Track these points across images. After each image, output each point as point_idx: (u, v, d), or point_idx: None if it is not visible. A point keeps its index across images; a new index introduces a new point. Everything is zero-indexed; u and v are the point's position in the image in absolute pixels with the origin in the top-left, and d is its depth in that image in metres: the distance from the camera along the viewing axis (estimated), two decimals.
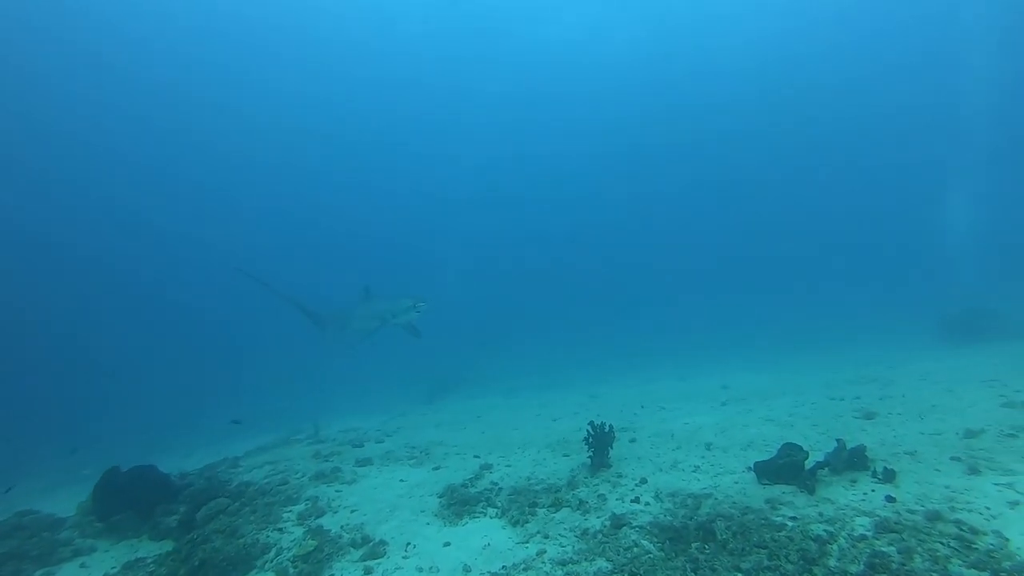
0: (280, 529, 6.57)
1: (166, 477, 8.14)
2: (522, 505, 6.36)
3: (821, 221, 56.74)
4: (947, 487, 5.48)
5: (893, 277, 40.24)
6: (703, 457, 7.34)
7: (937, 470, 5.95)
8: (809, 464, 5.95)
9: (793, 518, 5.15)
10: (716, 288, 45.88)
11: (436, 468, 8.38)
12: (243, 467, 9.59)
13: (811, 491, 5.63)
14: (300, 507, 7.20)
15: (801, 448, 6.09)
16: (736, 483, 6.22)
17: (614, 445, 7.54)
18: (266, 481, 8.39)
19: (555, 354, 26.67)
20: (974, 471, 5.78)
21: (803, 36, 40.36)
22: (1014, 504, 5.03)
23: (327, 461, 9.35)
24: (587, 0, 37.30)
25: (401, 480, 8.01)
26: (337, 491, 7.77)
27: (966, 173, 37.30)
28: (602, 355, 24.56)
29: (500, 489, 7.02)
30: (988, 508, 4.99)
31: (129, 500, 7.50)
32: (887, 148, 50.85)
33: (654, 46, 41.49)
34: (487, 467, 7.97)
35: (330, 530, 6.39)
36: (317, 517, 6.86)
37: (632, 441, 8.51)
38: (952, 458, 6.19)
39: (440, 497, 7.08)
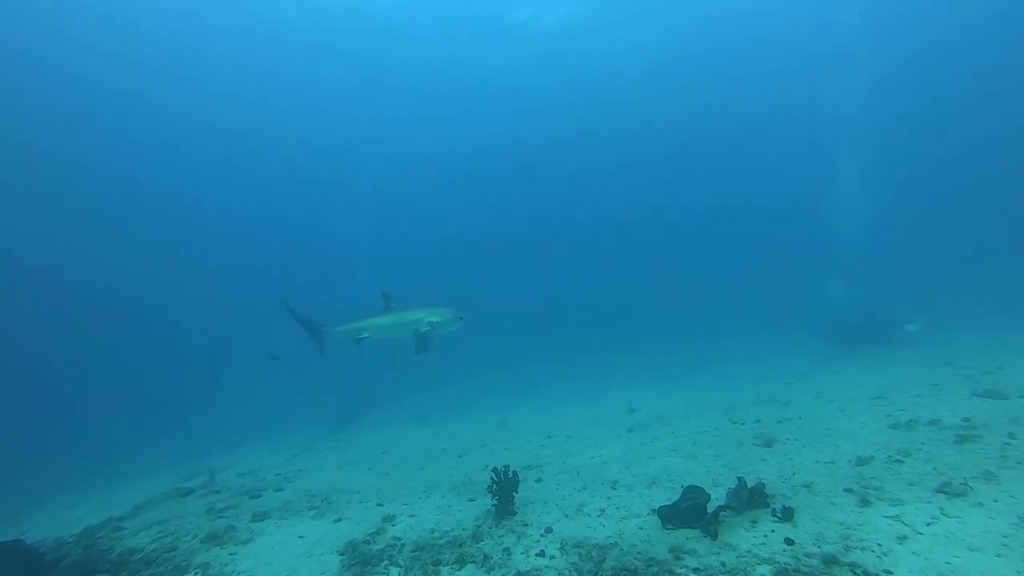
0: None
1: (34, 551, 7.41)
2: (425, 563, 6.08)
3: (719, 226, 59.17)
4: (841, 523, 5.59)
5: (788, 283, 42.18)
6: (608, 498, 7.27)
7: (832, 503, 6.08)
8: (711, 507, 5.96)
9: (697, 569, 5.11)
10: (618, 301, 46.96)
11: (337, 520, 7.99)
12: (127, 529, 8.84)
13: (714, 536, 5.62)
14: None
15: (703, 491, 6.10)
16: (641, 529, 6.16)
17: (519, 488, 7.37)
18: (153, 547, 7.74)
19: (466, 372, 26.53)
20: (866, 503, 5.94)
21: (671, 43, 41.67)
22: (902, 539, 5.17)
23: (221, 517, 8.77)
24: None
25: (300, 536, 7.57)
26: (231, 554, 7.26)
27: (850, 179, 39.20)
28: (511, 372, 24.48)
29: (403, 545, 6.71)
30: (880, 545, 5.11)
31: None
32: (775, 151, 53.33)
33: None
34: (390, 519, 7.63)
35: None
36: None
37: (538, 481, 8.37)
38: (846, 489, 6.35)
39: (341, 555, 6.72)
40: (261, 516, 8.49)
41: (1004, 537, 4.98)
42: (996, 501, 5.62)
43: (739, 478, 6.37)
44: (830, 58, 39.36)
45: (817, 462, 7.38)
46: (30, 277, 47.55)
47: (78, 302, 50.22)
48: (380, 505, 8.36)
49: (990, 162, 48.84)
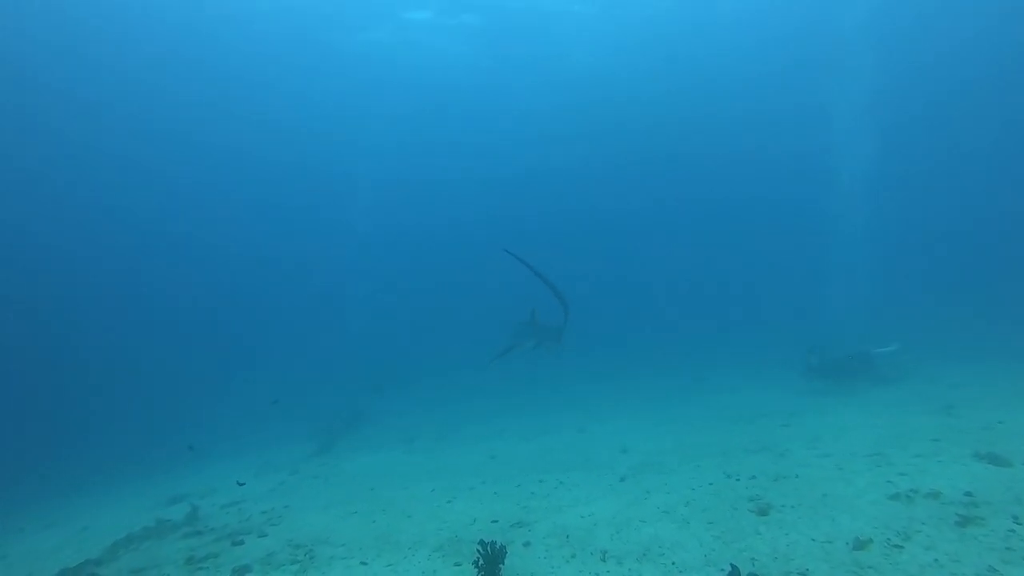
0: None
1: None
2: None
3: (712, 236, 58.94)
4: None
5: (778, 298, 41.98)
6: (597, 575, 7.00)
7: None
8: None
9: None
10: (605, 316, 46.59)
11: None
12: None
13: None
14: None
15: None
16: None
17: (506, 558, 7.12)
18: None
19: (458, 390, 26.35)
20: None
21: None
22: None
23: (201, 569, 8.48)
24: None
25: None
26: None
27: (844, 190, 38.86)
28: (503, 395, 24.00)
29: None
30: None
31: None
32: (766, 159, 53.22)
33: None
34: None
35: None
36: None
37: (526, 545, 8.08)
38: None
39: None
40: (242, 571, 8.22)
41: None
42: None
43: (732, 566, 6.14)
44: (827, 64, 39.02)
45: (813, 540, 7.12)
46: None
47: (86, 290, 50.00)
48: (364, 564, 8.08)
49: (983, 179, 48.62)
